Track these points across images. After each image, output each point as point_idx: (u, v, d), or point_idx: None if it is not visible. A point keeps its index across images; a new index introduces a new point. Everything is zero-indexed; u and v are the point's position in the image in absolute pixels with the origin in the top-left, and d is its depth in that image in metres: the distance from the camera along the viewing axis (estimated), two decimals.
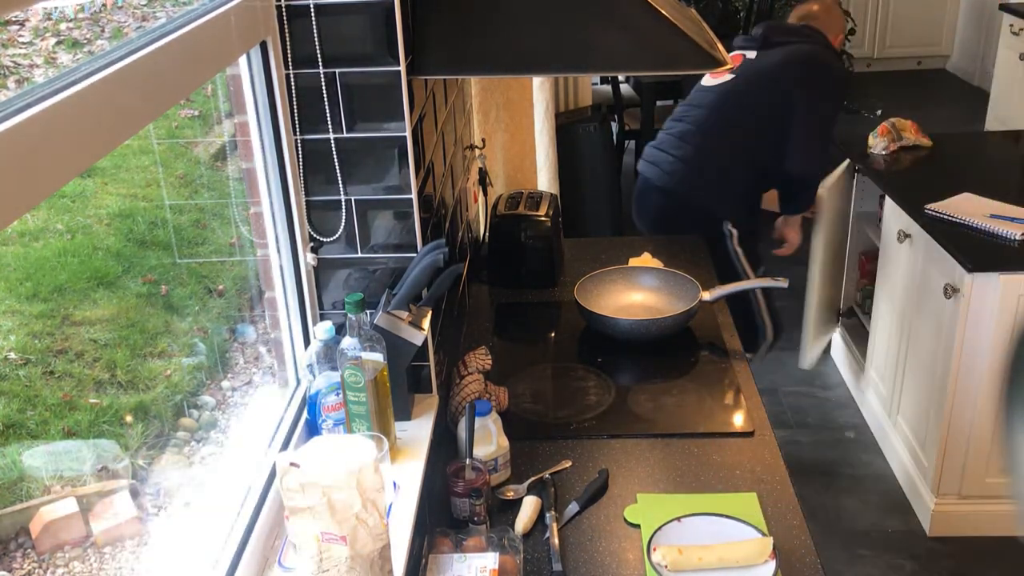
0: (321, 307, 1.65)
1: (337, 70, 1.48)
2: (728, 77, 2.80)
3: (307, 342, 1.62)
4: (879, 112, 6.36)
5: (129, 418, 1.93)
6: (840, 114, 2.94)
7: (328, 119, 1.51)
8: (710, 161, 2.85)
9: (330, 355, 1.50)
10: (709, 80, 2.89)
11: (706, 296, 2.18)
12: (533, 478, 1.69)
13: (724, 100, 2.83)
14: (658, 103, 5.21)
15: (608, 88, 5.27)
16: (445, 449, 1.77)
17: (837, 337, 3.76)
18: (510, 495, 1.65)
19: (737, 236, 2.84)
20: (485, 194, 2.64)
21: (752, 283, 2.38)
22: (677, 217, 2.81)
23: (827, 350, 3.82)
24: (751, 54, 2.81)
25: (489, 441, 1.64)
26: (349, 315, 1.43)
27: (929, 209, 2.76)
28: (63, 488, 1.77)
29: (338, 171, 1.55)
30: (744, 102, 2.82)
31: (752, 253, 2.91)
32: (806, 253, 3.31)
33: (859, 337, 3.56)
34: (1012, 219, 2.66)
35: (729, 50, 2.69)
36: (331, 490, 1.14)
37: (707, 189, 2.84)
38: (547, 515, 1.58)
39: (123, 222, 2.19)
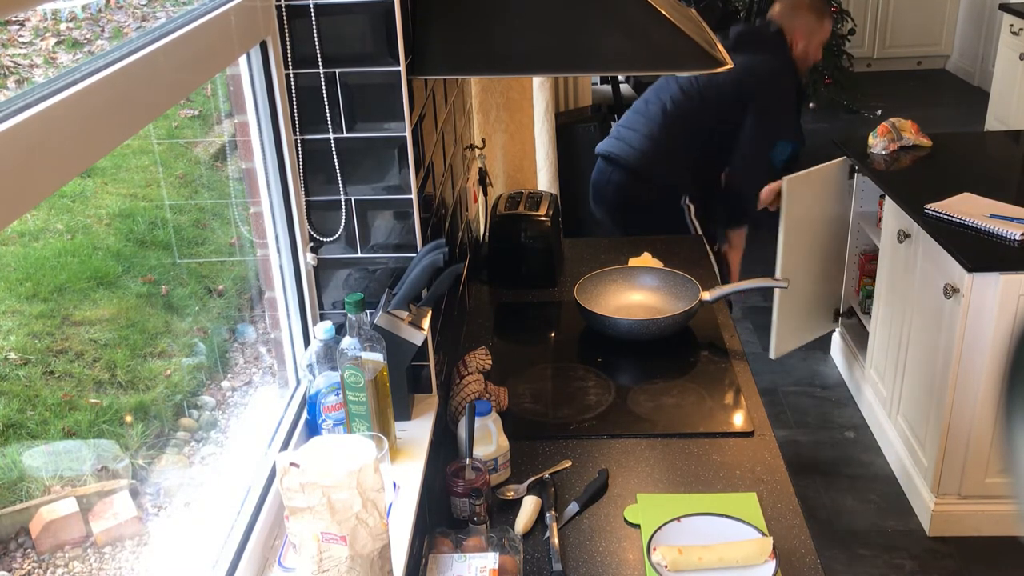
0: (321, 307, 1.65)
1: (337, 70, 1.48)
2: None
3: (307, 342, 1.62)
4: (879, 112, 6.36)
5: (129, 418, 1.93)
6: (789, 123, 3.14)
7: (328, 119, 1.51)
8: (675, 142, 3.08)
9: (330, 355, 1.50)
10: None
11: (706, 296, 2.18)
12: (533, 478, 1.69)
13: (691, 88, 3.06)
14: None
15: (608, 88, 5.26)
16: (445, 449, 1.77)
17: (837, 337, 3.76)
18: (510, 495, 1.65)
19: (693, 210, 3.10)
20: (485, 194, 2.64)
21: (753, 283, 2.38)
22: (639, 195, 3.00)
23: (826, 350, 3.82)
24: None
25: (489, 441, 1.65)
26: (349, 315, 1.43)
27: (929, 209, 2.76)
28: (63, 488, 1.77)
29: (338, 171, 1.55)
30: (707, 95, 3.05)
31: (706, 225, 3.17)
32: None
33: (859, 337, 3.56)
34: (1012, 219, 2.66)
35: None
36: (331, 490, 1.14)
37: (670, 166, 3.06)
38: (547, 515, 1.58)
39: (123, 222, 2.19)
